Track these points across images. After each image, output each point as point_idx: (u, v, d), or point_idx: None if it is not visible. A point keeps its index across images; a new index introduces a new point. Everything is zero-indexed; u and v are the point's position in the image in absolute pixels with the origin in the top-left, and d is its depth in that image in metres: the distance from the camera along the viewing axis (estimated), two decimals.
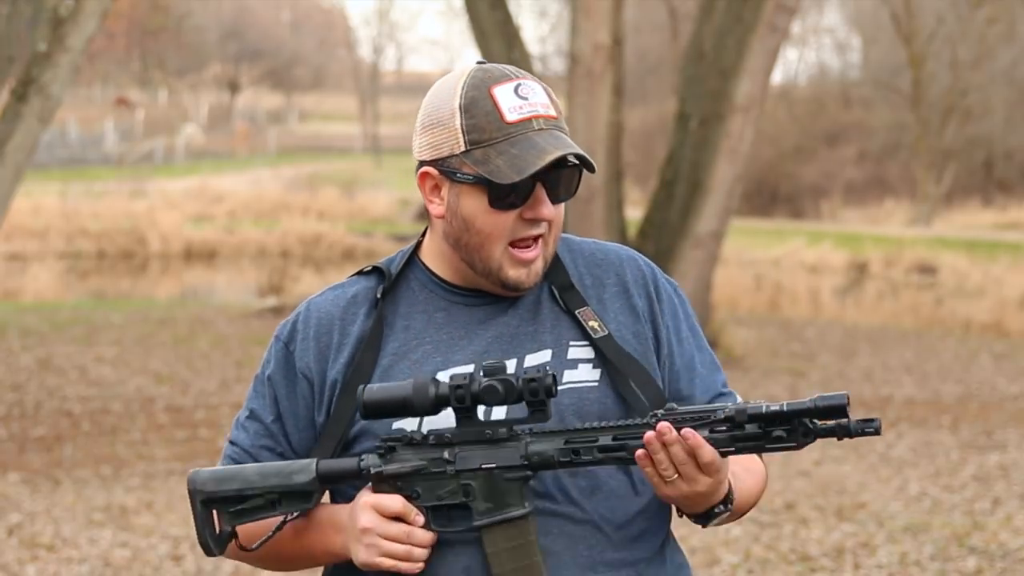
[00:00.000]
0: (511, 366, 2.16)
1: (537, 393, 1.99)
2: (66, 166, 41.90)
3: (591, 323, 2.19)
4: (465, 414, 2.05)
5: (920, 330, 17.67)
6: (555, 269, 2.23)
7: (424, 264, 2.25)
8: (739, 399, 2.26)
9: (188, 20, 53.92)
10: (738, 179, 12.63)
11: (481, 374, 2.02)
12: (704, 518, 2.12)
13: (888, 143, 38.39)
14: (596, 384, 2.17)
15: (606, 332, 2.19)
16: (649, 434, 1.98)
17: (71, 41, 9.57)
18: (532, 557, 2.05)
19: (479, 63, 2.19)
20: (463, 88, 2.13)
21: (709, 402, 2.23)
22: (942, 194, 35.64)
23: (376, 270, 2.27)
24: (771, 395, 11.78)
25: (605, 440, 2.00)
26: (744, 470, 2.18)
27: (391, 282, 2.24)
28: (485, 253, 2.15)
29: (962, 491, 8.24)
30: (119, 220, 27.81)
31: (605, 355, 2.17)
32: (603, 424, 2.02)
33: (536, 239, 2.16)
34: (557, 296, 2.22)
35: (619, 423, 2.02)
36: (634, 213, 15.26)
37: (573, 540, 2.12)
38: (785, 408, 1.93)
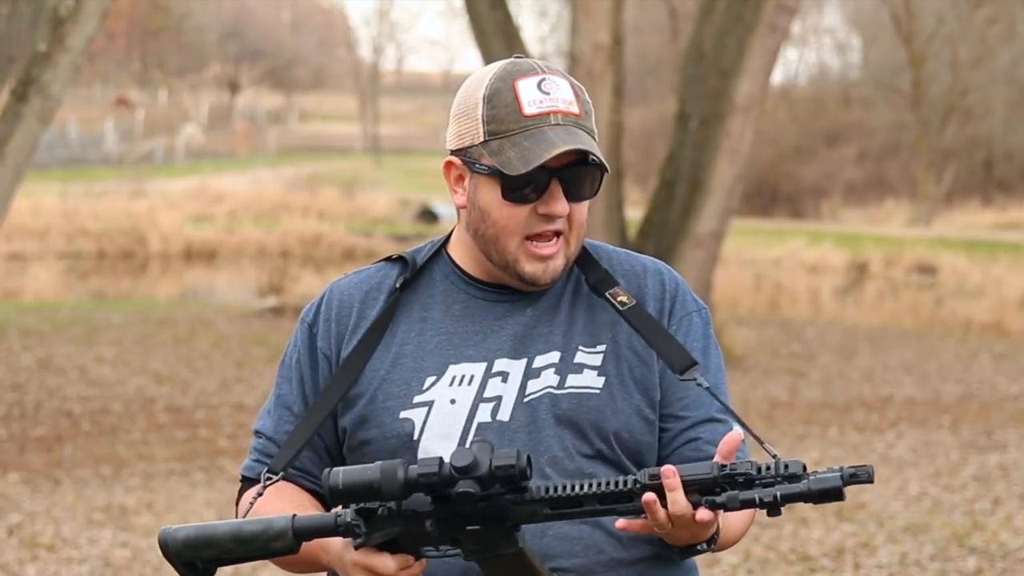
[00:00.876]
0: (520, 366, 2.16)
1: (513, 480, 1.93)
2: (66, 166, 41.90)
3: (620, 298, 2.18)
4: (439, 497, 1.98)
5: (920, 330, 17.67)
6: (589, 265, 2.23)
7: (450, 256, 2.26)
8: (735, 428, 2.18)
9: (188, 20, 53.93)
10: (738, 179, 12.62)
11: (450, 465, 1.93)
12: (685, 552, 2.09)
13: (888, 143, 38.40)
14: (597, 392, 2.16)
15: (634, 302, 2.18)
16: (642, 522, 1.93)
17: (71, 41, 9.57)
18: (531, 569, 2.01)
19: (516, 57, 2.20)
20: (490, 80, 2.15)
21: (698, 424, 2.18)
22: (942, 194, 35.66)
23: (402, 259, 2.28)
24: (771, 395, 11.78)
25: (590, 505, 1.94)
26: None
27: (414, 271, 2.25)
28: (500, 245, 2.15)
29: (962, 491, 8.24)
30: (119, 220, 27.81)
31: (632, 323, 2.16)
32: (586, 489, 1.95)
33: (554, 236, 2.15)
34: (591, 284, 2.21)
35: (602, 488, 1.94)
36: (634, 213, 15.26)
37: (570, 541, 2.11)
38: (779, 498, 1.86)
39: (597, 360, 2.18)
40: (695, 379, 2.12)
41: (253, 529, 2.04)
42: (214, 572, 2.11)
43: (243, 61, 62.83)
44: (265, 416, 2.28)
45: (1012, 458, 9.24)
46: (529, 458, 1.93)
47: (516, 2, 49.53)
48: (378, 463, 1.97)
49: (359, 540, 2.00)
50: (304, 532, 2.03)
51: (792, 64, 53.16)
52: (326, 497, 2.02)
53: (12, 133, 9.44)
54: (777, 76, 48.48)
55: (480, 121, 2.13)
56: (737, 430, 1.98)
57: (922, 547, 6.94)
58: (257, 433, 2.28)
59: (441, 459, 1.94)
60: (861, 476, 1.85)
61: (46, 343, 13.80)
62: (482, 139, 2.13)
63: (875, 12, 40.40)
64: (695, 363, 2.14)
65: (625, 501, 1.93)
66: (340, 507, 2.04)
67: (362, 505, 1.99)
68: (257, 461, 2.26)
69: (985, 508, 7.79)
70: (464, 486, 1.92)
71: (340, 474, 1.97)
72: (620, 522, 1.94)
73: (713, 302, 13.49)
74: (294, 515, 2.04)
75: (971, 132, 36.94)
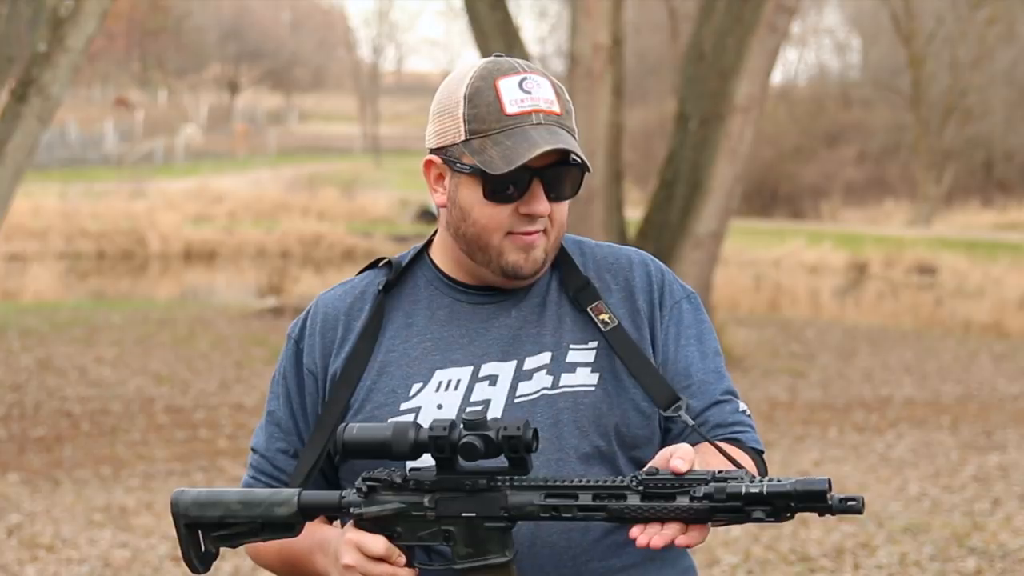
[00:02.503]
0: (510, 368, 2.16)
1: (516, 449, 1.96)
2: (66, 166, 41.92)
3: (602, 316, 2.18)
4: (445, 461, 2.01)
5: (920, 330, 17.67)
6: (569, 270, 2.23)
7: (432, 260, 2.26)
8: (741, 406, 2.24)
9: (188, 20, 53.95)
10: (738, 179, 12.62)
11: (462, 426, 1.98)
12: None
13: (888, 143, 38.41)
14: (593, 388, 2.16)
15: (616, 323, 2.17)
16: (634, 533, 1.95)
17: (71, 41, 9.56)
18: None
19: (496, 56, 2.19)
20: (471, 79, 2.14)
21: (705, 409, 2.20)
22: (942, 194, 35.68)
23: (387, 265, 2.28)
24: (771, 396, 11.79)
25: (585, 498, 1.96)
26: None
27: (396, 275, 2.25)
28: (483, 243, 2.15)
29: (962, 491, 8.24)
30: (119, 220, 27.82)
31: (614, 348, 2.16)
32: (583, 481, 1.97)
33: (535, 232, 2.14)
34: (571, 297, 2.20)
35: (599, 482, 1.96)
36: (634, 213, 15.26)
37: (558, 551, 2.11)
38: (764, 491, 1.88)
39: (590, 356, 2.18)
40: (679, 416, 2.12)
41: (260, 493, 2.11)
42: (216, 554, 2.14)
43: (243, 61, 62.85)
44: (259, 432, 2.30)
45: (1012, 458, 9.23)
46: (536, 432, 1.97)
47: (516, 2, 49.57)
48: (391, 421, 2.03)
49: (359, 510, 2.03)
50: (309, 505, 2.08)
51: (792, 64, 53.19)
52: (337, 451, 2.05)
53: (12, 133, 9.44)
54: (777, 76, 48.51)
55: (461, 120, 2.12)
56: (683, 451, 1.96)
57: (922, 547, 6.94)
58: (252, 449, 2.30)
59: (453, 421, 1.99)
60: (852, 505, 1.87)
61: (46, 343, 13.80)
62: (463, 138, 2.12)
63: (875, 12, 40.40)
64: (679, 399, 2.14)
65: (618, 498, 1.94)
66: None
67: (369, 479, 2.04)
68: (253, 478, 2.29)
69: (985, 508, 7.79)
70: (470, 438, 1.96)
71: (355, 428, 2.02)
72: (633, 530, 1.94)
73: (713, 302, 13.49)
74: (301, 489, 2.10)
75: (971, 132, 36.95)
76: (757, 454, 2.22)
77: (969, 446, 9.68)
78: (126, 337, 14.39)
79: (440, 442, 1.98)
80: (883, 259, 26.75)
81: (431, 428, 1.98)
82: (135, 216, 28.12)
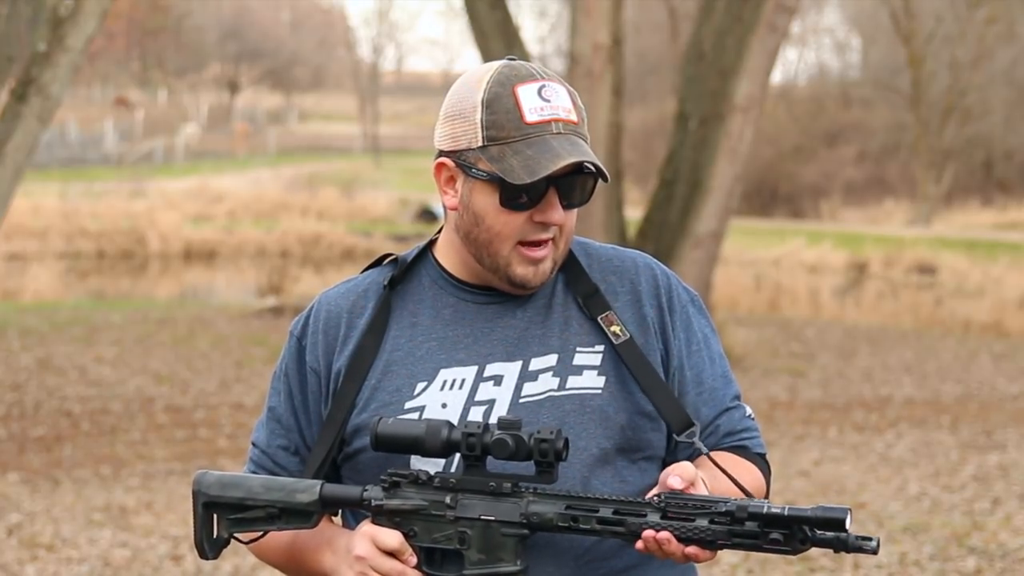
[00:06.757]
0: (515, 368, 2.16)
1: (546, 454, 1.98)
2: (66, 166, 41.92)
3: (613, 328, 2.18)
4: (473, 462, 2.04)
5: (920, 330, 17.67)
6: (577, 276, 2.22)
7: (436, 260, 2.25)
8: (747, 410, 2.27)
9: (188, 20, 53.96)
10: (738, 179, 12.62)
11: (495, 425, 2.01)
12: None
13: (888, 143, 38.40)
14: (599, 392, 2.16)
15: (627, 336, 2.17)
16: (647, 535, 1.97)
17: (71, 41, 9.56)
18: None
19: (510, 59, 2.18)
20: (488, 83, 2.12)
21: (716, 417, 2.22)
22: (942, 194, 35.67)
23: (393, 261, 2.28)
24: (771, 395, 11.79)
25: (605, 512, 1.98)
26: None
27: (401, 272, 2.24)
28: (493, 249, 2.14)
29: (962, 491, 8.24)
30: (119, 220, 27.82)
31: (625, 362, 2.16)
32: (605, 496, 2.00)
33: (546, 241, 2.14)
34: (581, 304, 2.20)
35: (621, 497, 1.99)
36: (634, 213, 15.25)
37: (558, 551, 2.11)
38: (785, 512, 1.91)
39: (596, 360, 2.18)
40: (692, 442, 2.14)
41: (283, 480, 2.14)
42: (227, 541, 2.16)
43: (243, 61, 62.84)
44: (260, 428, 2.30)
45: (1012, 458, 9.23)
46: (567, 441, 2.00)
47: (516, 2, 49.55)
48: (425, 420, 2.05)
49: (379, 502, 2.06)
50: (330, 496, 2.11)
51: (792, 64, 53.17)
52: (371, 443, 2.07)
53: (12, 133, 9.44)
54: (777, 76, 48.49)
55: (479, 125, 2.11)
56: (680, 468, 2.00)
57: (922, 547, 6.94)
58: (253, 444, 2.30)
59: (487, 423, 2.02)
60: (867, 544, 1.90)
61: (46, 343, 13.80)
62: (480, 144, 2.11)
63: (874, 12, 40.38)
64: (692, 424, 2.15)
65: (638, 515, 1.97)
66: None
67: (394, 474, 2.06)
68: (253, 472, 2.28)
69: (984, 508, 7.79)
70: (502, 435, 1.99)
71: (390, 421, 2.06)
72: (640, 544, 1.97)
73: (713, 302, 13.49)
74: (323, 481, 2.12)
75: (970, 132, 36.94)
76: (761, 458, 2.25)
77: (969, 446, 9.68)
78: (126, 337, 14.39)
79: (472, 440, 2.00)
80: (883, 259, 26.75)
81: (465, 426, 2.01)
82: (135, 216, 28.12)
